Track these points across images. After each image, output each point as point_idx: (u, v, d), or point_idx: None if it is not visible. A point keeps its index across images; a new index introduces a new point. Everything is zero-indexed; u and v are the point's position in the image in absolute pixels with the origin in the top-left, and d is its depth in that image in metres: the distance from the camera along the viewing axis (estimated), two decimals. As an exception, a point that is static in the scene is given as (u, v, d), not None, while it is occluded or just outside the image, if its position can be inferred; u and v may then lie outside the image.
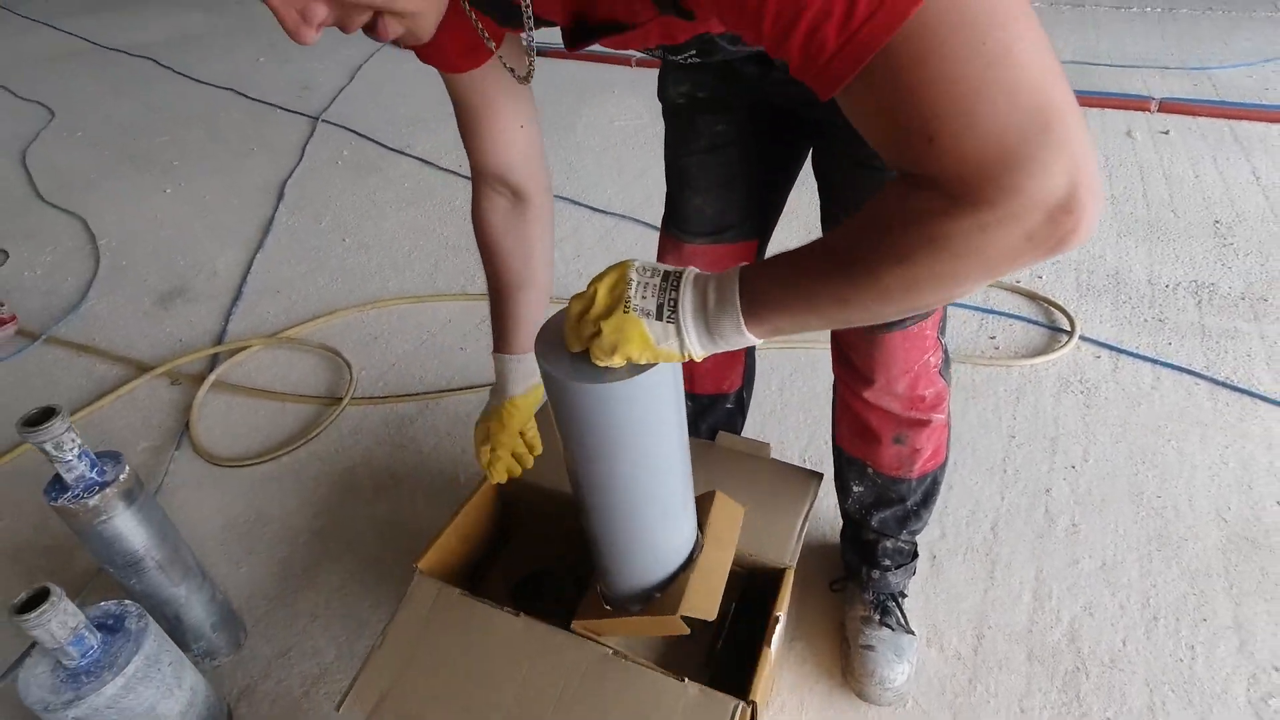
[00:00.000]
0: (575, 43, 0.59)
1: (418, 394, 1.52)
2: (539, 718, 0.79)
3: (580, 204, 2.19)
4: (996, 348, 1.56)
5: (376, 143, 2.71)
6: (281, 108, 3.13)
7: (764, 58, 0.75)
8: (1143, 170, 2.20)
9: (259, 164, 2.63)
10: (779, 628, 0.84)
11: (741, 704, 0.76)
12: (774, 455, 1.04)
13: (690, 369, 1.03)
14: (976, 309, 1.67)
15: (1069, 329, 1.58)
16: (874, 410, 0.89)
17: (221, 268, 2.01)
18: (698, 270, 0.54)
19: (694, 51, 0.66)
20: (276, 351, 1.68)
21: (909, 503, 0.98)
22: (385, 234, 2.12)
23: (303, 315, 1.78)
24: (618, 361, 0.55)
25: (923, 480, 0.96)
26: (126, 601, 0.86)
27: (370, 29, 0.48)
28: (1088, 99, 2.62)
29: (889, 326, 0.81)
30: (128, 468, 0.88)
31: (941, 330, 0.87)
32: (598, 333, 0.54)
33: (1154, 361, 1.49)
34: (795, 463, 1.26)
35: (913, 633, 1.01)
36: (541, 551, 1.12)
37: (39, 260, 2.11)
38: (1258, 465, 1.26)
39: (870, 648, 0.98)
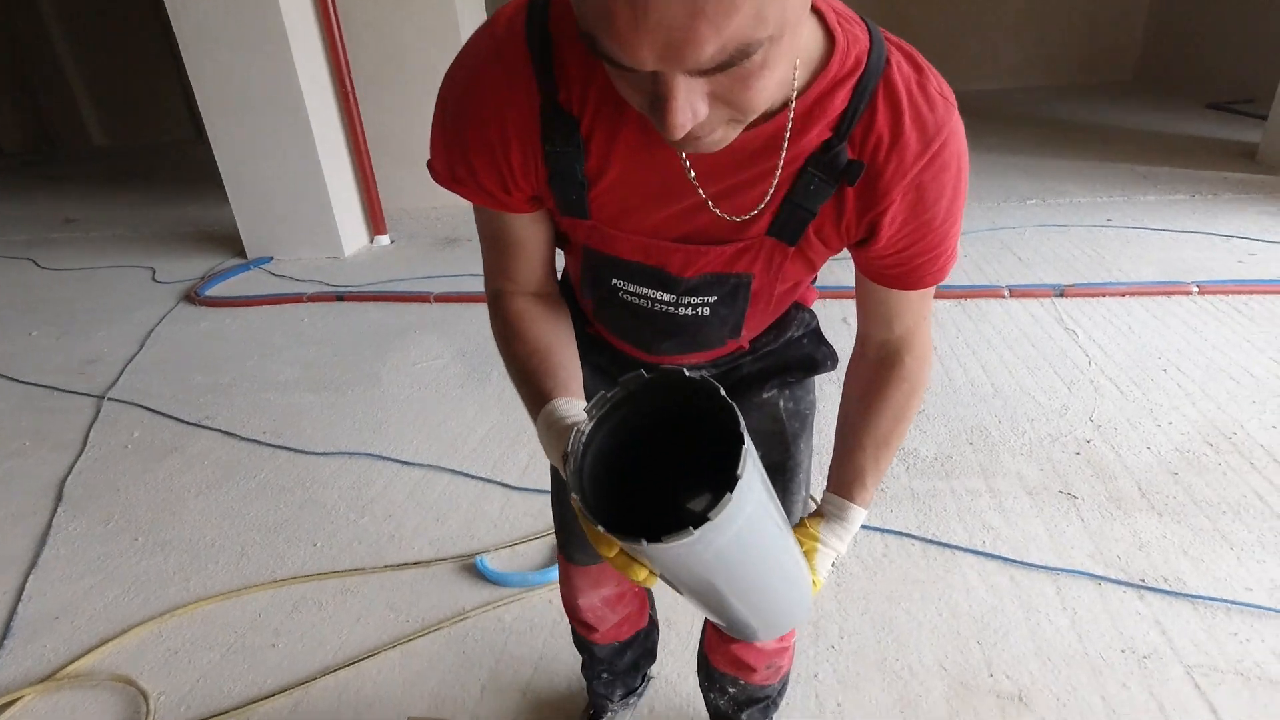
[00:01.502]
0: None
1: (226, 710, 1.48)
2: None
3: (388, 458, 2.31)
4: (764, 542, 1.84)
5: (172, 417, 2.68)
6: (60, 389, 3.00)
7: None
8: (857, 354, 2.75)
9: (32, 463, 2.48)
10: None
11: None
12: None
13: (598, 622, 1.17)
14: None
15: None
16: (752, 651, 1.08)
17: (-14, 601, 1.85)
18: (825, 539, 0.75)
19: (717, 298, 0.71)
20: (57, 696, 1.56)
21: (773, 697, 1.21)
22: (185, 525, 2.08)
23: (88, 642, 1.68)
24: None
25: (783, 679, 1.19)
26: None
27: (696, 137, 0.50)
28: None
29: None
30: None
31: None
32: None
33: (881, 530, 1.84)
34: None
35: None
36: None
37: None
38: (961, 611, 1.58)
39: None
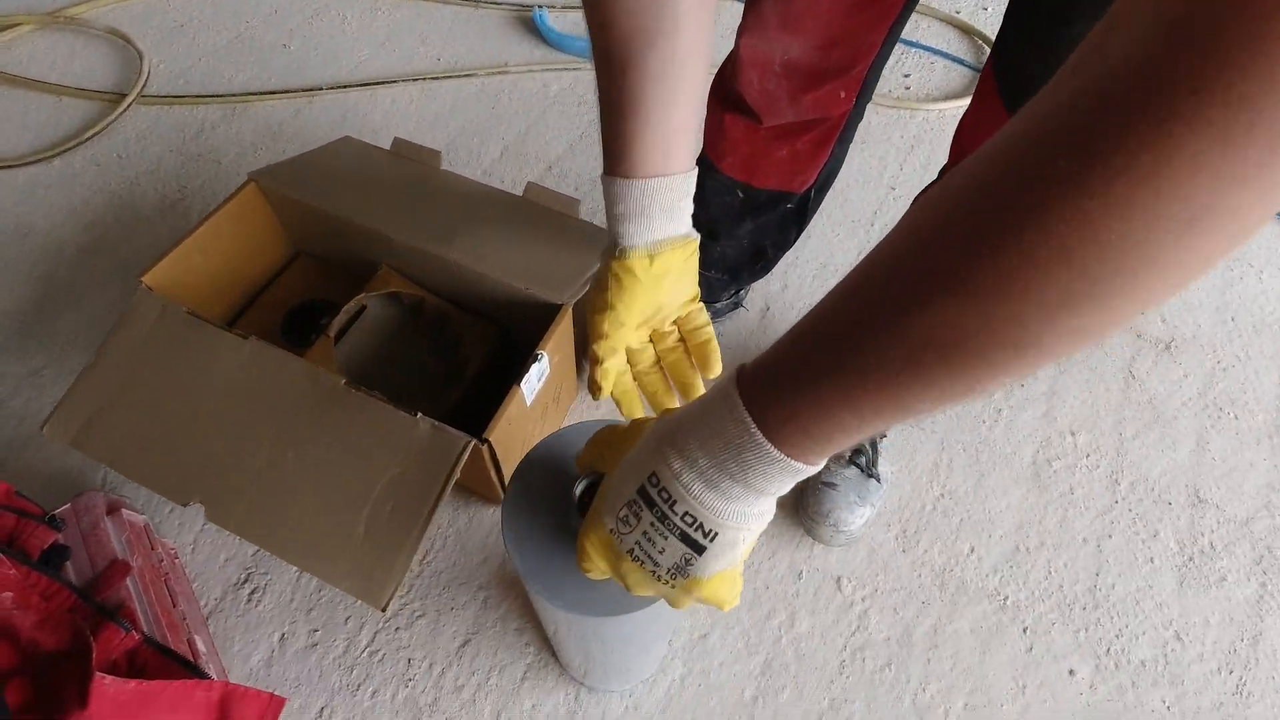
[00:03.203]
0: None
1: (223, 95, 1.28)
2: (258, 442, 0.72)
3: None
4: (907, 88, 1.35)
5: None
6: None
7: None
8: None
9: None
10: (536, 368, 0.76)
11: (474, 442, 0.70)
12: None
13: (756, 159, 0.79)
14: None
15: (996, 72, 1.37)
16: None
17: (-7, -79, 1.59)
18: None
19: None
20: (56, 34, 1.38)
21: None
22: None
23: (92, -9, 1.45)
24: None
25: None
26: None
27: None
28: None
29: None
30: None
31: None
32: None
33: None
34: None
35: (880, 479, 0.86)
36: (322, 280, 1.00)
37: None
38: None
39: (831, 485, 0.84)
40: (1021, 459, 0.93)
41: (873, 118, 1.29)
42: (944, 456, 0.93)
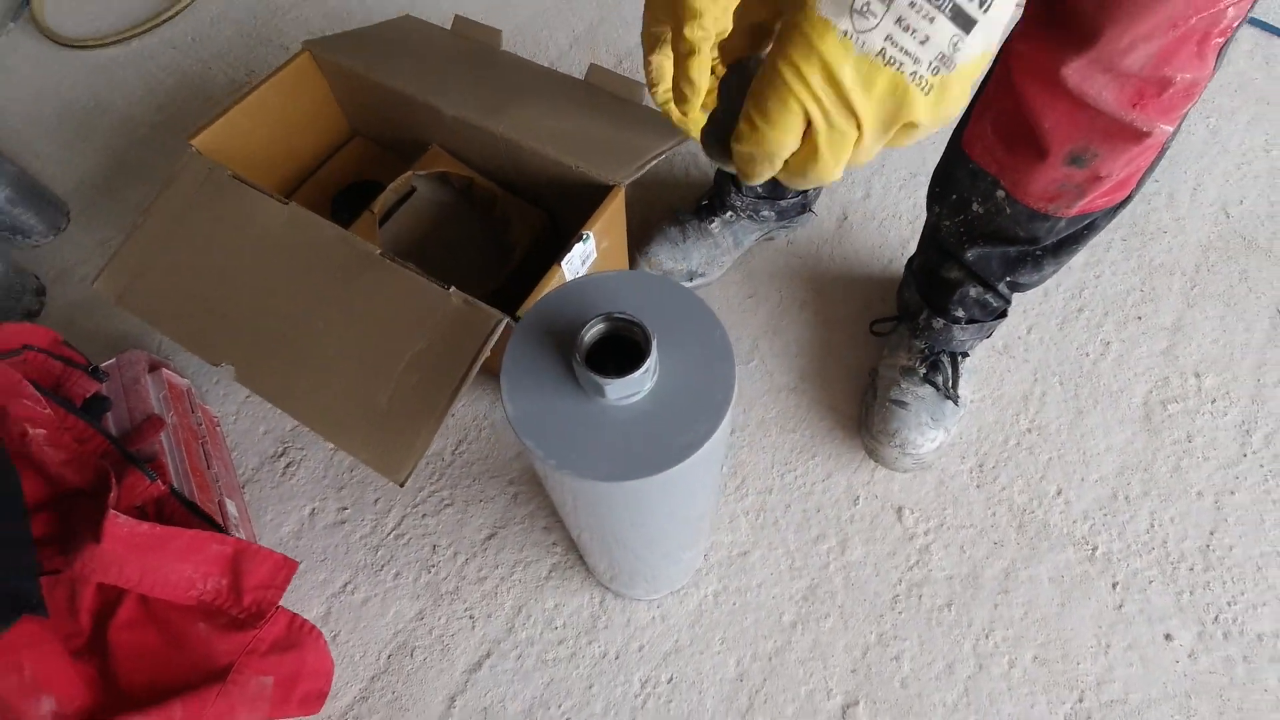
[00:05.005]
0: None
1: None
2: (290, 307, 0.70)
3: None
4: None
5: None
6: None
7: None
8: None
9: None
10: (580, 248, 0.70)
11: (507, 320, 0.65)
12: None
13: None
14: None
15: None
16: (1065, 99, 0.50)
17: None
18: None
19: None
20: (142, -80, 1.38)
21: (1037, 247, 0.64)
22: None
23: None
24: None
25: (1077, 221, 0.60)
26: None
27: None
28: None
29: None
30: None
31: None
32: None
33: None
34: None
35: (959, 402, 0.76)
36: (377, 159, 0.96)
37: None
38: (1309, 156, 0.97)
39: (901, 404, 0.74)
40: (1131, 398, 0.80)
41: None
42: (1037, 388, 0.81)
